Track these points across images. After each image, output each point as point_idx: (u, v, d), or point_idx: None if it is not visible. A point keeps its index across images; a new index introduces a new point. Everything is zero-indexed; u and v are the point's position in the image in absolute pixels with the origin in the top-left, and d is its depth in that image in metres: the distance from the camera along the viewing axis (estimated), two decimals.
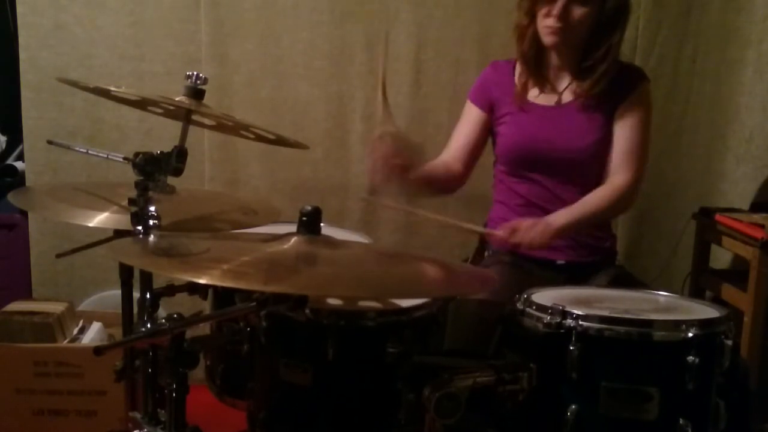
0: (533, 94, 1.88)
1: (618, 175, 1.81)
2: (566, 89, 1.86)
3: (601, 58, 1.79)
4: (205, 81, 1.43)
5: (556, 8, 1.74)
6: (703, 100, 2.52)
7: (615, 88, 1.83)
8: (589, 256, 1.87)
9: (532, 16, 1.81)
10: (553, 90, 1.87)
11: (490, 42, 2.54)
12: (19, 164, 2.89)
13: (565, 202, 1.81)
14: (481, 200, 2.06)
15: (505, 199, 1.93)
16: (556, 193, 1.84)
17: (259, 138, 1.57)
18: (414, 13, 2.52)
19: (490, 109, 1.92)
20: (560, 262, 1.86)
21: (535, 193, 1.86)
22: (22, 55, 2.52)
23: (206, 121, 1.55)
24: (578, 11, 1.75)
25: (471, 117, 1.95)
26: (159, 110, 1.54)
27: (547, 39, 1.79)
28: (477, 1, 2.53)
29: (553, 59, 1.85)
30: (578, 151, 1.82)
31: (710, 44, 2.50)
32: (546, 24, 1.77)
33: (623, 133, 1.82)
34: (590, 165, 1.83)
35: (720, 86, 2.44)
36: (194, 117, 1.44)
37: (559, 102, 1.86)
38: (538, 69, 1.86)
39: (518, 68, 1.91)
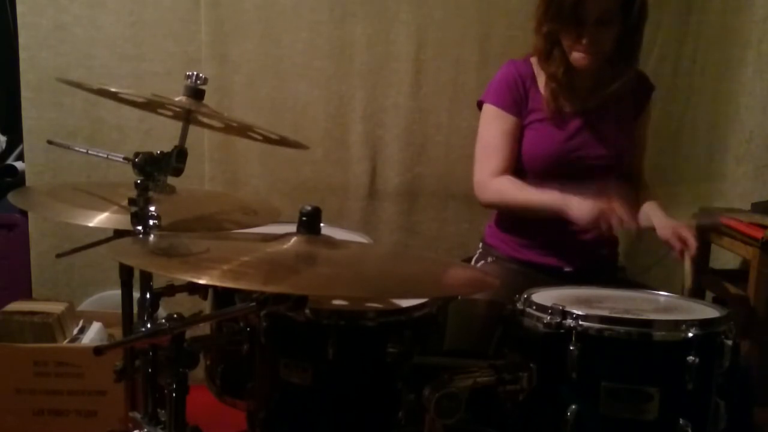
0: (562, 99, 1.84)
1: (646, 181, 1.96)
2: (594, 95, 1.84)
3: (627, 61, 1.81)
4: (205, 81, 1.43)
5: (586, 41, 1.73)
6: (703, 100, 2.52)
7: (636, 95, 1.88)
8: (595, 263, 1.88)
9: (552, 41, 1.79)
10: (581, 97, 1.84)
11: (490, 42, 2.54)
12: (19, 164, 2.89)
13: None
14: None
15: None
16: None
17: (263, 138, 1.57)
18: (414, 13, 2.52)
19: (519, 112, 1.86)
20: (567, 269, 1.86)
21: None
22: (22, 55, 2.52)
23: (207, 121, 1.55)
24: (605, 34, 1.74)
25: (509, 127, 1.86)
26: (168, 113, 1.54)
27: (580, 64, 1.77)
28: (477, 1, 2.53)
29: (582, 71, 1.81)
30: (608, 157, 1.82)
31: (710, 44, 2.50)
32: (577, 56, 1.77)
33: (641, 142, 1.93)
34: (616, 170, 1.86)
35: (720, 86, 2.44)
36: (200, 118, 1.44)
37: (586, 108, 1.84)
38: (568, 84, 1.82)
39: (542, 78, 1.86)
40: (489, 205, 1.93)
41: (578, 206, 1.67)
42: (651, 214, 1.86)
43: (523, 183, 1.83)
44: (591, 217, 1.65)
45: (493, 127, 1.88)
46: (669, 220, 1.78)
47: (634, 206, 1.83)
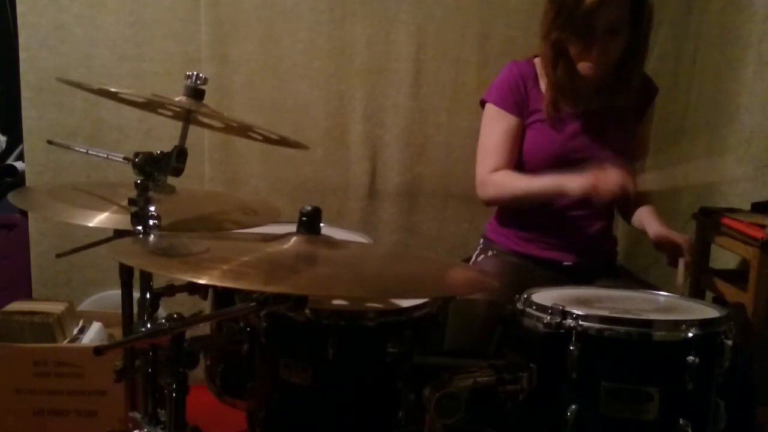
0: (563, 104, 1.85)
1: None
2: (598, 99, 1.85)
3: (632, 68, 1.81)
4: (205, 81, 1.43)
5: (595, 51, 1.73)
6: (703, 100, 2.52)
7: (640, 98, 1.89)
8: (593, 258, 1.89)
9: (559, 49, 1.78)
10: (584, 99, 1.84)
11: (490, 42, 2.54)
12: (19, 164, 2.89)
13: (587, 208, 1.84)
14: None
15: None
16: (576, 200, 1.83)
17: (263, 138, 1.57)
18: (414, 13, 2.52)
19: (520, 112, 1.87)
20: (567, 263, 1.87)
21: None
22: (22, 55, 2.52)
23: (207, 121, 1.55)
24: (615, 43, 1.74)
25: (510, 127, 1.87)
26: (168, 113, 1.53)
27: (587, 73, 1.77)
28: (477, 1, 2.52)
29: (587, 78, 1.81)
30: (609, 159, 1.79)
31: (710, 44, 2.49)
32: (584, 66, 1.76)
33: (643, 145, 1.93)
34: None
35: (720, 86, 2.44)
36: (200, 118, 1.44)
37: (590, 111, 1.85)
38: (571, 89, 1.83)
39: (545, 79, 1.86)
40: (491, 201, 1.94)
41: (573, 180, 1.70)
42: (645, 219, 1.87)
43: (520, 173, 1.84)
44: (586, 186, 1.67)
45: (494, 127, 1.89)
46: (663, 228, 1.79)
47: (630, 200, 1.83)
